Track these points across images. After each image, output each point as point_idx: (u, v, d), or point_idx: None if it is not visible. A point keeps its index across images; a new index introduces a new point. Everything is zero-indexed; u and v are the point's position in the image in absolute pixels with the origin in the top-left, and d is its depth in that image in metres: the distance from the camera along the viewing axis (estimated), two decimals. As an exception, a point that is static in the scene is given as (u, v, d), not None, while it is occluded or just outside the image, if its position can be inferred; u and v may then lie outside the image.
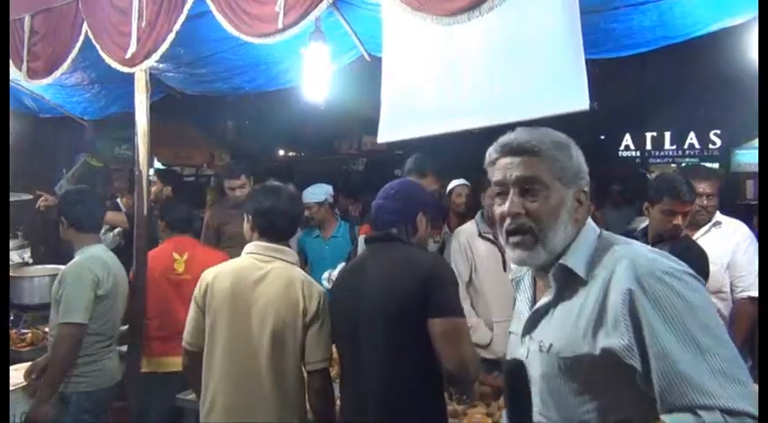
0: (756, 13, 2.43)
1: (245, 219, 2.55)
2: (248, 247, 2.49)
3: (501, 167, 1.43)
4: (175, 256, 3.56)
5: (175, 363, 3.13)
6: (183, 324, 3.23)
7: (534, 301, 1.50)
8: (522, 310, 1.53)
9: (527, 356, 1.43)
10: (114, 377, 3.03)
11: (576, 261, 1.37)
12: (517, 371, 1.40)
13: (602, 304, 1.28)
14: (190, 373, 2.52)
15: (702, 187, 3.25)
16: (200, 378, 2.41)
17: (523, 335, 1.47)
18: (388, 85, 2.97)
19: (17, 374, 3.06)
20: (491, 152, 1.46)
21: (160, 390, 3.27)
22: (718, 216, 3.38)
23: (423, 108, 2.82)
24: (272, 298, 2.34)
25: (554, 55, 2.40)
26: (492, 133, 2.75)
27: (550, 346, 1.36)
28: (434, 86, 2.77)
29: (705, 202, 3.30)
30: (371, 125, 3.06)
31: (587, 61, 2.28)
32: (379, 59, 3.09)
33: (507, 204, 1.39)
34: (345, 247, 4.26)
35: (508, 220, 1.39)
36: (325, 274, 4.03)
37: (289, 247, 2.57)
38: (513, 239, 1.40)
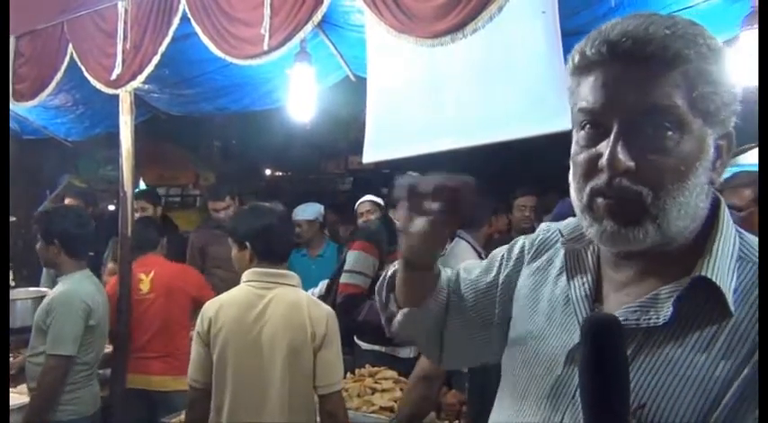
0: (736, 34, 2.51)
1: (235, 245, 2.42)
2: (246, 275, 2.36)
3: (596, 84, 0.82)
4: (141, 276, 3.49)
5: (140, 380, 3.36)
6: (148, 344, 3.38)
7: (596, 297, 0.90)
8: (557, 303, 0.94)
9: (560, 391, 0.87)
10: (95, 404, 2.95)
11: (722, 273, 0.79)
12: (608, 332, 0.72)
13: (753, 368, 0.74)
14: (192, 410, 2.37)
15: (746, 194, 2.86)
16: (201, 414, 2.30)
17: (569, 359, 0.87)
18: (372, 105, 3.00)
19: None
20: (582, 50, 0.84)
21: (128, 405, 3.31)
22: None
23: (407, 128, 2.84)
24: (278, 326, 2.24)
25: (536, 76, 2.44)
26: (475, 153, 2.79)
27: (641, 407, 0.77)
28: (418, 107, 2.80)
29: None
30: (358, 145, 3.07)
31: (569, 82, 2.32)
32: (365, 80, 3.11)
33: (607, 153, 0.79)
34: (331, 267, 4.25)
35: (603, 178, 0.80)
36: (309, 292, 4.02)
37: (287, 269, 2.45)
38: (607, 204, 0.81)
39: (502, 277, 1.09)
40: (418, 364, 2.37)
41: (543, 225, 1.10)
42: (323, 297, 3.75)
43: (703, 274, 0.79)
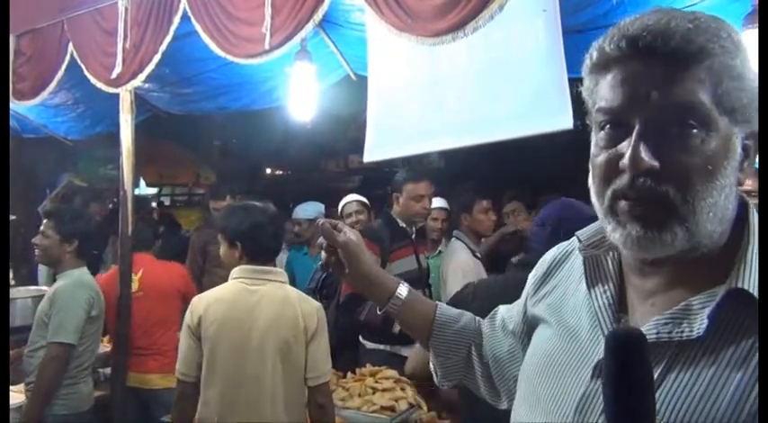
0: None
1: (225, 243, 2.45)
2: (235, 272, 2.40)
3: (618, 81, 0.78)
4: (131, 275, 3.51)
5: (132, 378, 3.38)
6: (137, 342, 3.40)
7: (620, 307, 0.86)
8: (581, 315, 0.90)
9: (587, 407, 0.81)
10: (89, 402, 2.96)
11: (755, 281, 0.74)
12: (633, 348, 0.65)
13: None
14: (180, 404, 2.37)
15: None
16: (189, 408, 2.33)
17: (595, 372, 0.82)
18: (373, 104, 2.99)
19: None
20: (600, 46, 0.80)
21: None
22: None
23: (408, 127, 2.84)
24: (271, 321, 2.29)
25: (538, 74, 2.43)
26: (472, 150, 2.78)
27: None
28: (419, 105, 2.80)
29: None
30: (358, 143, 3.06)
31: (571, 80, 2.31)
32: (365, 78, 3.11)
33: (629, 152, 0.75)
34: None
35: (625, 179, 0.76)
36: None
37: (275, 266, 2.53)
38: (631, 207, 0.77)
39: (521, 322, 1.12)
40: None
41: (547, 254, 1.09)
42: (323, 294, 3.75)
43: (740, 285, 0.74)
